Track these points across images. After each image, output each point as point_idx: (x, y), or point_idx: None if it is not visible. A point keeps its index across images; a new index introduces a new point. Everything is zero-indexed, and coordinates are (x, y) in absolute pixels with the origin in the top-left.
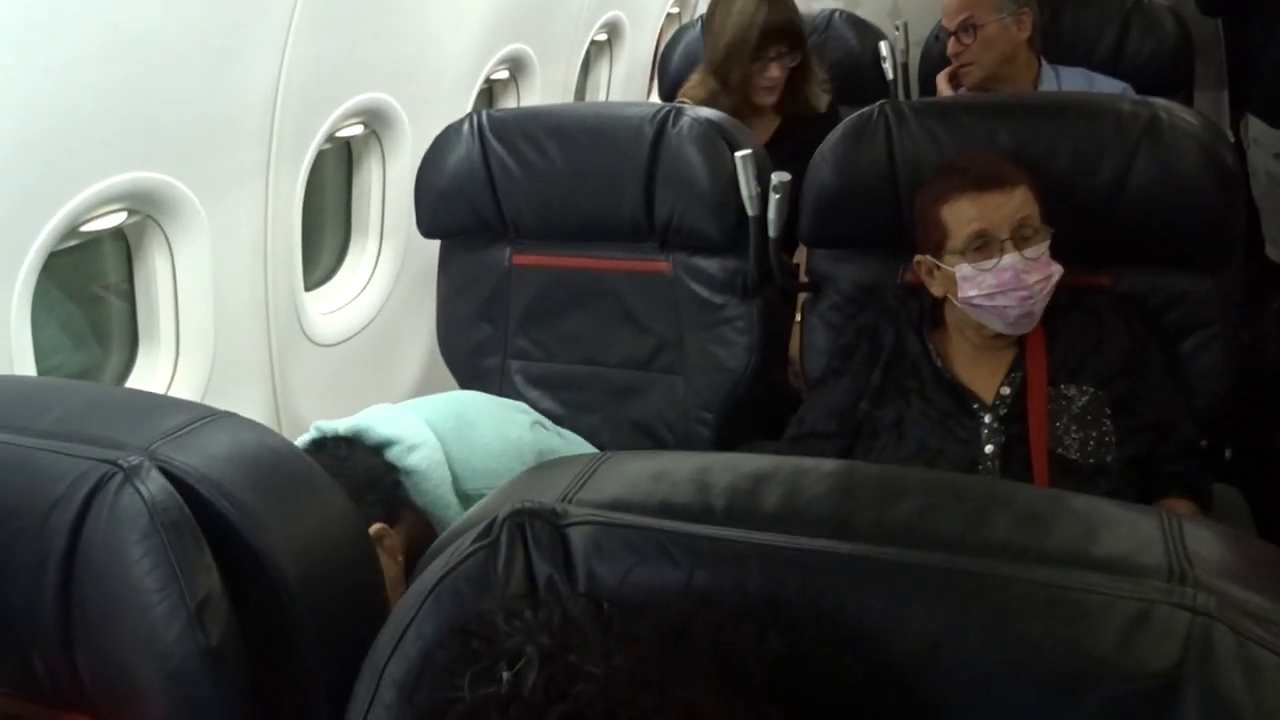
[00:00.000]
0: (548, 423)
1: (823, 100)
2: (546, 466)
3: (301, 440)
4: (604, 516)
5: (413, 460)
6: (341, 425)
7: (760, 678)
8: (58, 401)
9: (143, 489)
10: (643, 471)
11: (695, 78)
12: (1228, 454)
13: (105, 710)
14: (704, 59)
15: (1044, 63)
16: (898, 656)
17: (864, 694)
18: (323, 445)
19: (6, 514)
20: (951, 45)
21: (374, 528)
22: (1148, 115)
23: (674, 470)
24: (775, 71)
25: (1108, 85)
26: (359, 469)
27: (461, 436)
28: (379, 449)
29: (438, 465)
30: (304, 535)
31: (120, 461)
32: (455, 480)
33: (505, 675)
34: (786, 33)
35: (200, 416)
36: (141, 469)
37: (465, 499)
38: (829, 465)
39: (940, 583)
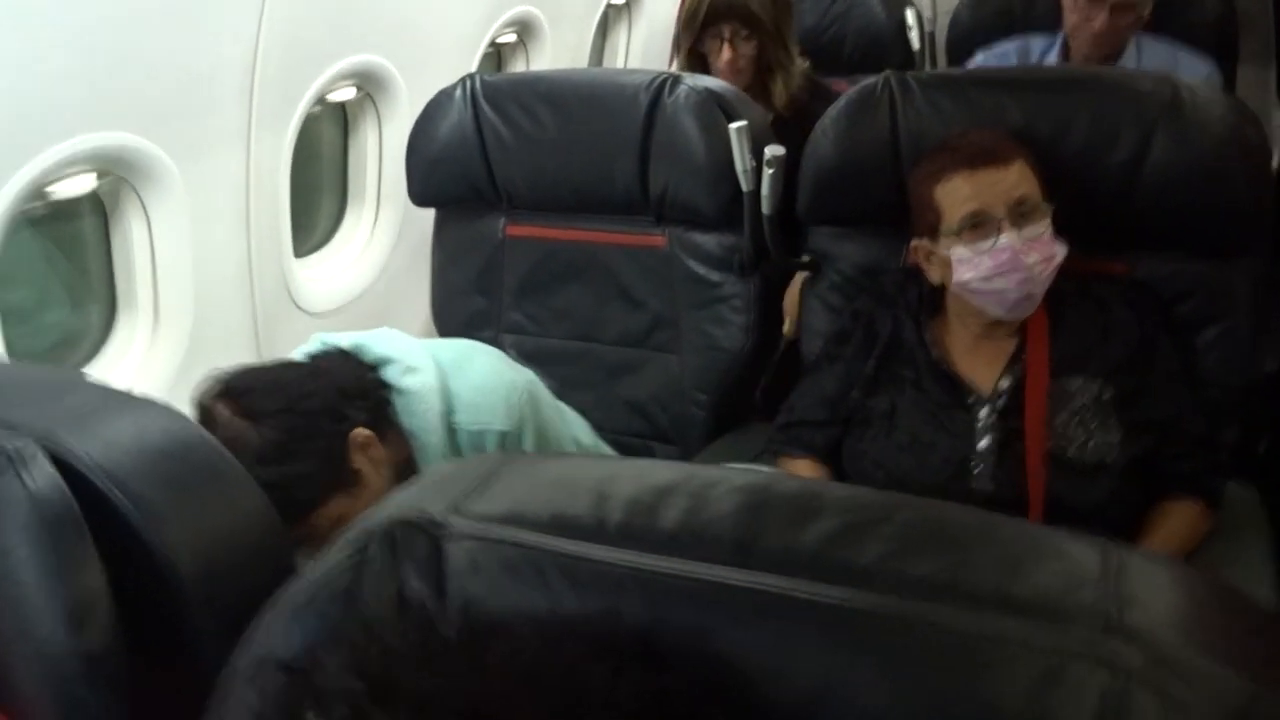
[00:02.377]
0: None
1: (782, 99)
2: (451, 467)
3: (302, 350)
4: (485, 530)
5: (408, 380)
6: (344, 339)
7: None
8: None
9: (27, 478)
10: (546, 478)
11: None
12: (1262, 448)
13: None
14: None
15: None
16: (780, 704)
17: None
18: (339, 353)
19: None
20: (1100, 20)
21: (358, 432)
22: (1168, 92)
23: (577, 478)
24: (726, 53)
25: (1191, 60)
26: (348, 374)
27: (458, 368)
28: (375, 365)
29: (431, 391)
30: (207, 532)
31: (6, 446)
32: (446, 411)
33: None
34: (736, 13)
35: (108, 400)
36: (28, 455)
37: (452, 432)
38: (741, 479)
39: (838, 622)
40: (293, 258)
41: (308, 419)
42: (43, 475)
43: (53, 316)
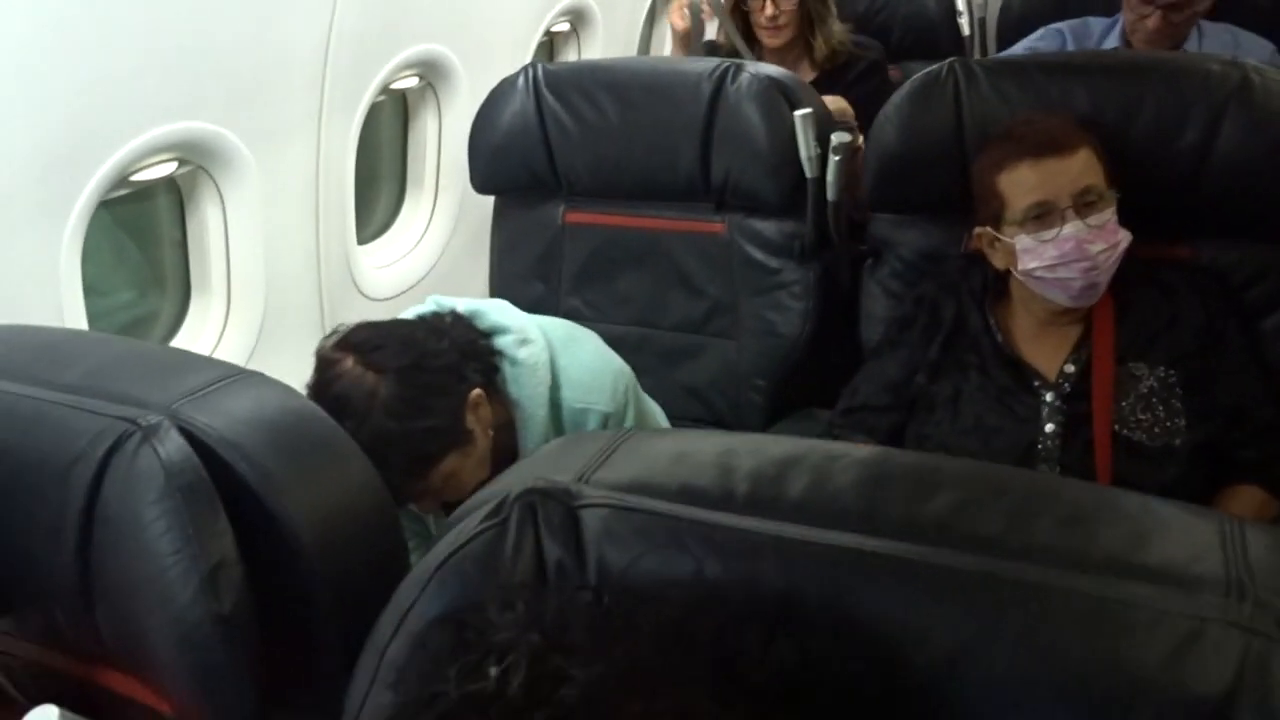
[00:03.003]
0: None
1: (823, 52)
2: (569, 441)
3: (416, 310)
4: (619, 499)
5: (522, 353)
6: (460, 303)
7: (764, 683)
8: (84, 355)
9: (160, 449)
10: (665, 451)
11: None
12: None
13: (124, 666)
14: None
15: None
16: (920, 666)
17: (880, 705)
18: (445, 317)
19: (29, 469)
20: (1154, 20)
21: (474, 393)
22: (1238, 76)
23: (697, 451)
24: (768, 9)
25: (1252, 42)
26: (466, 337)
27: (567, 347)
28: (488, 333)
29: (543, 365)
30: (324, 501)
31: (139, 420)
32: (552, 386)
33: (493, 672)
34: None
35: (225, 376)
36: (160, 429)
37: (555, 407)
38: (861, 453)
39: (972, 587)
40: (356, 244)
41: (436, 375)
42: (175, 447)
43: (129, 296)
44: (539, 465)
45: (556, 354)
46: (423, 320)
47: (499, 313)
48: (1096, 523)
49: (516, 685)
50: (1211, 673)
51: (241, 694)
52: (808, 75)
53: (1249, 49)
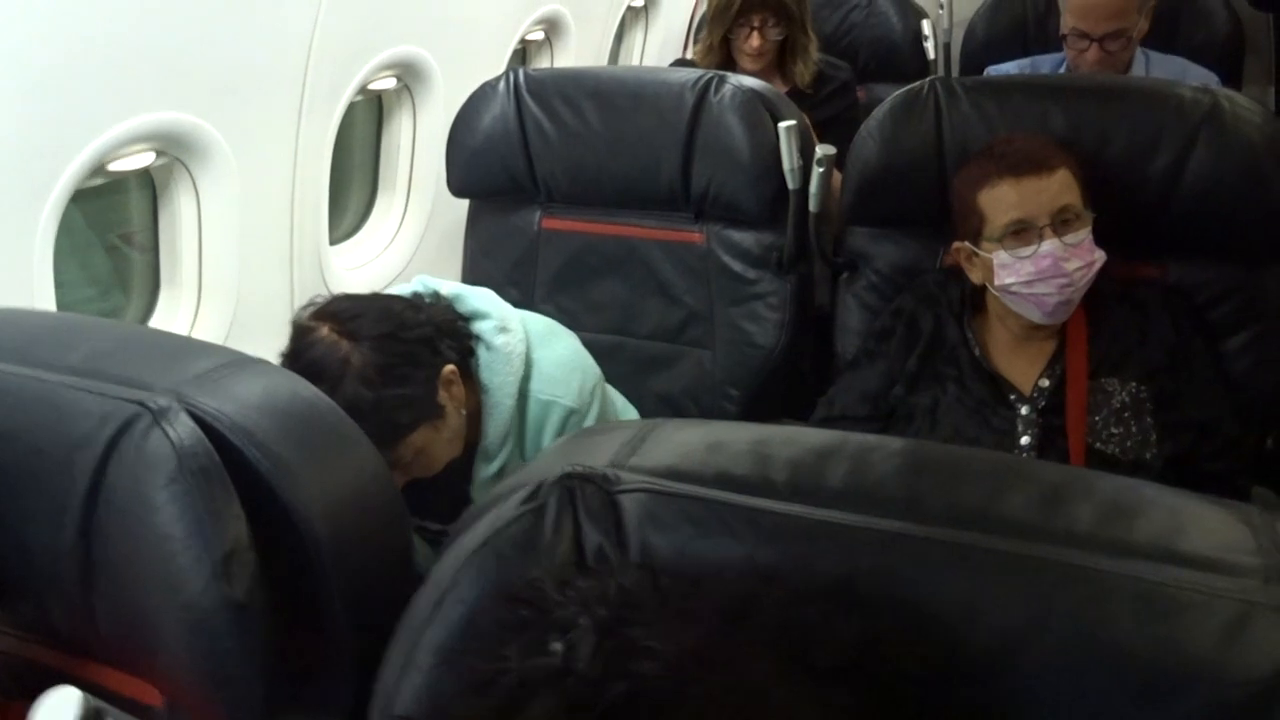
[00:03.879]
0: None
1: (805, 77)
2: (593, 431)
3: (402, 288)
4: (659, 485)
5: (499, 339)
6: (445, 285)
7: (829, 662)
8: (85, 338)
9: (171, 432)
10: (697, 440)
11: (701, 43)
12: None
13: (121, 659)
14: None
15: (1137, 47)
16: (974, 647)
17: (937, 687)
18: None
19: (28, 452)
20: (1092, 52)
21: (447, 368)
22: (1209, 102)
23: (731, 441)
24: (755, 40)
25: (1199, 74)
26: (441, 316)
27: (544, 340)
28: (469, 317)
29: (518, 355)
30: (336, 491)
31: (148, 403)
32: (523, 377)
33: (558, 647)
34: (770, 5)
35: (230, 360)
36: (170, 411)
37: (522, 397)
38: (896, 443)
39: (1021, 571)
40: (328, 244)
41: (411, 346)
42: (186, 429)
43: (97, 290)
44: (569, 452)
45: (532, 346)
46: (402, 295)
47: (481, 299)
48: (1133, 512)
49: (587, 659)
50: (1261, 656)
51: (252, 686)
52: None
53: (1197, 80)
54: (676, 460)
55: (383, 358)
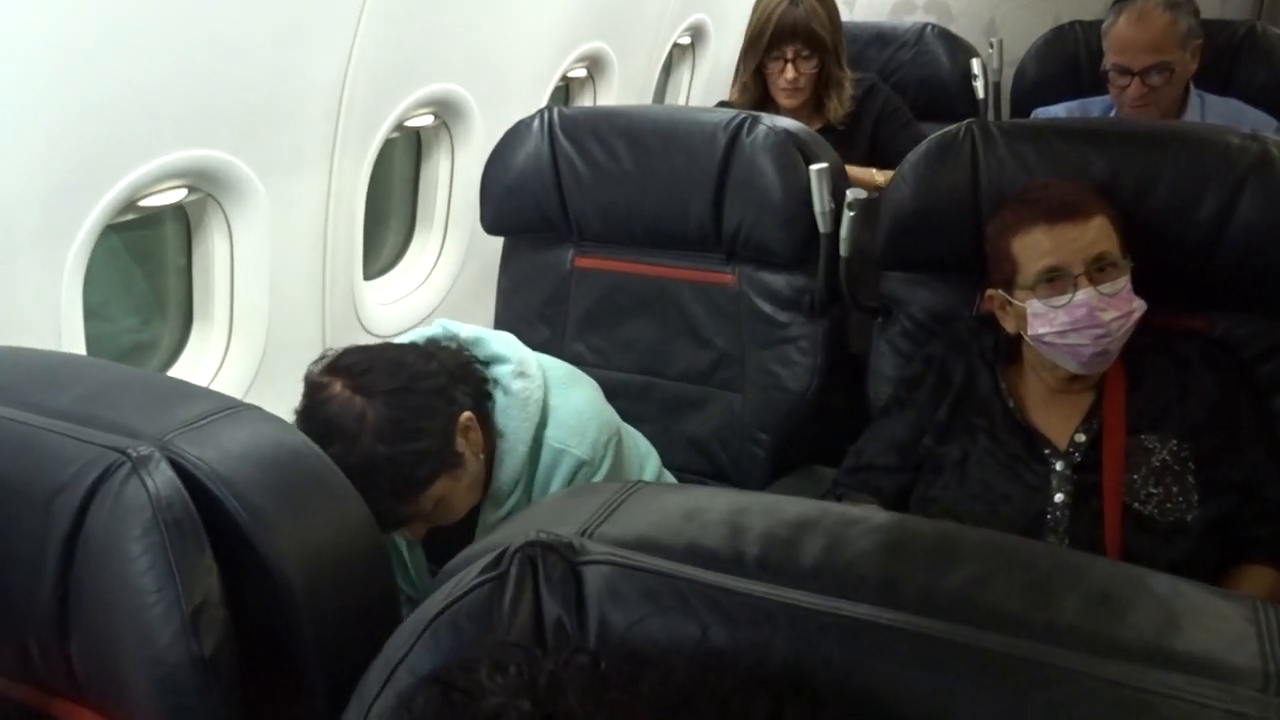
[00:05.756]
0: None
1: (839, 113)
2: (574, 492)
3: (424, 332)
4: (623, 557)
5: (517, 384)
6: (465, 329)
7: None
8: (78, 380)
9: (149, 481)
10: (673, 508)
11: (736, 81)
12: None
13: (95, 703)
14: None
15: (1192, 90)
16: None
17: None
18: (437, 340)
19: (11, 495)
20: (1133, 88)
21: (464, 415)
22: (1257, 150)
23: (707, 509)
24: (789, 73)
25: (1257, 118)
26: (457, 360)
27: (563, 387)
28: (487, 361)
29: (535, 401)
30: (314, 542)
31: (130, 451)
32: (539, 423)
33: None
34: (800, 35)
35: (221, 408)
36: (150, 460)
37: (535, 444)
38: (878, 518)
39: (994, 668)
40: (362, 280)
41: (424, 398)
42: (164, 479)
43: (130, 322)
44: (542, 516)
45: (550, 392)
46: (413, 344)
47: (501, 343)
48: (1124, 604)
49: None
50: None
51: None
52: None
53: (1253, 124)
54: (649, 529)
55: (397, 412)
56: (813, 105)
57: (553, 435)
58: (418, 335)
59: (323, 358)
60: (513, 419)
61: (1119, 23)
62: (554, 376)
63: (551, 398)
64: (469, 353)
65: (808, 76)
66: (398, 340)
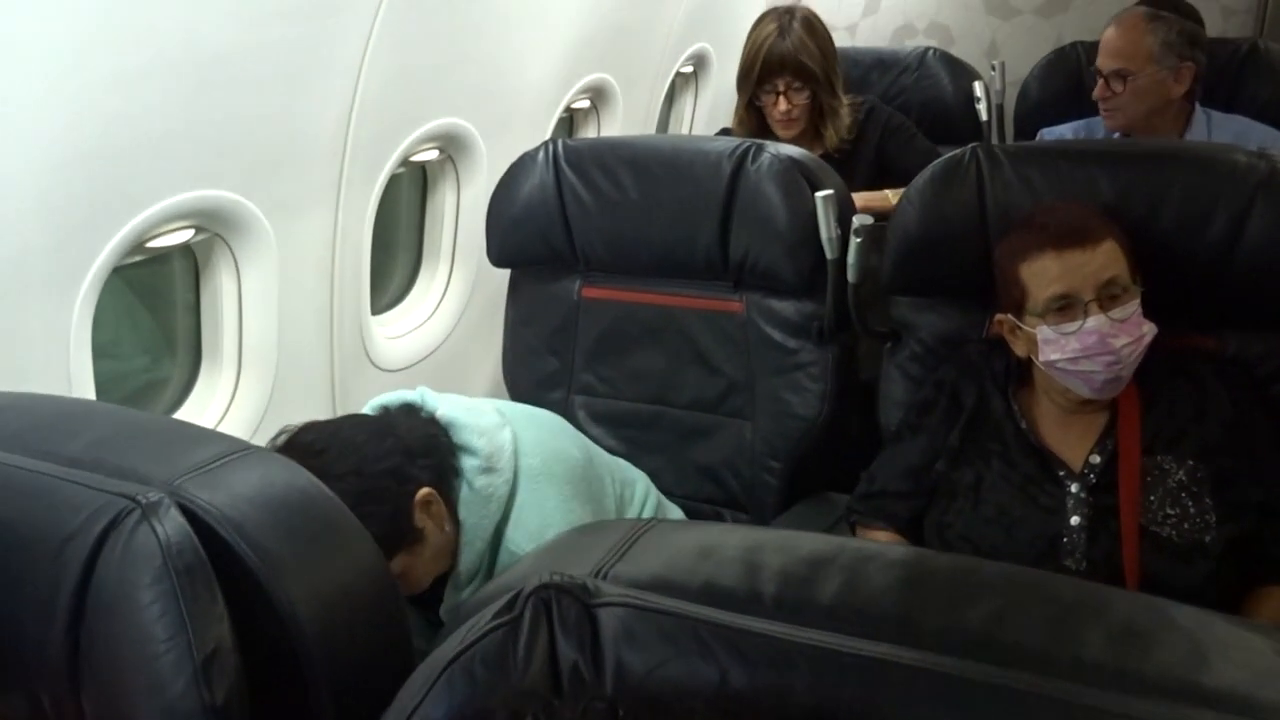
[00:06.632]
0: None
1: (835, 141)
2: (586, 530)
3: (401, 396)
4: (639, 599)
5: (480, 481)
6: (442, 407)
7: None
8: (89, 427)
9: (159, 528)
10: (688, 546)
11: (735, 114)
12: None
13: None
14: None
15: (1198, 108)
16: None
17: None
18: (410, 409)
19: (23, 544)
20: (1099, 88)
21: (422, 491)
22: (1265, 167)
23: (722, 547)
24: (781, 104)
25: (1264, 134)
26: (418, 434)
27: (536, 484)
28: (455, 449)
29: (498, 499)
30: (326, 586)
31: (139, 497)
32: (501, 519)
33: None
34: (789, 67)
35: (231, 451)
36: (160, 506)
37: (497, 536)
38: (895, 553)
39: (1019, 707)
40: (370, 315)
41: (374, 480)
42: (174, 526)
43: (139, 363)
44: (555, 556)
45: (520, 487)
46: (375, 418)
47: (475, 433)
48: (1150, 639)
49: None
50: None
51: None
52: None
53: (1260, 140)
54: (663, 568)
55: (348, 498)
56: (811, 134)
57: (512, 537)
58: (394, 399)
59: (283, 432)
60: (473, 514)
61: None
62: (530, 468)
63: (521, 494)
64: (434, 423)
65: (801, 107)
66: (376, 402)
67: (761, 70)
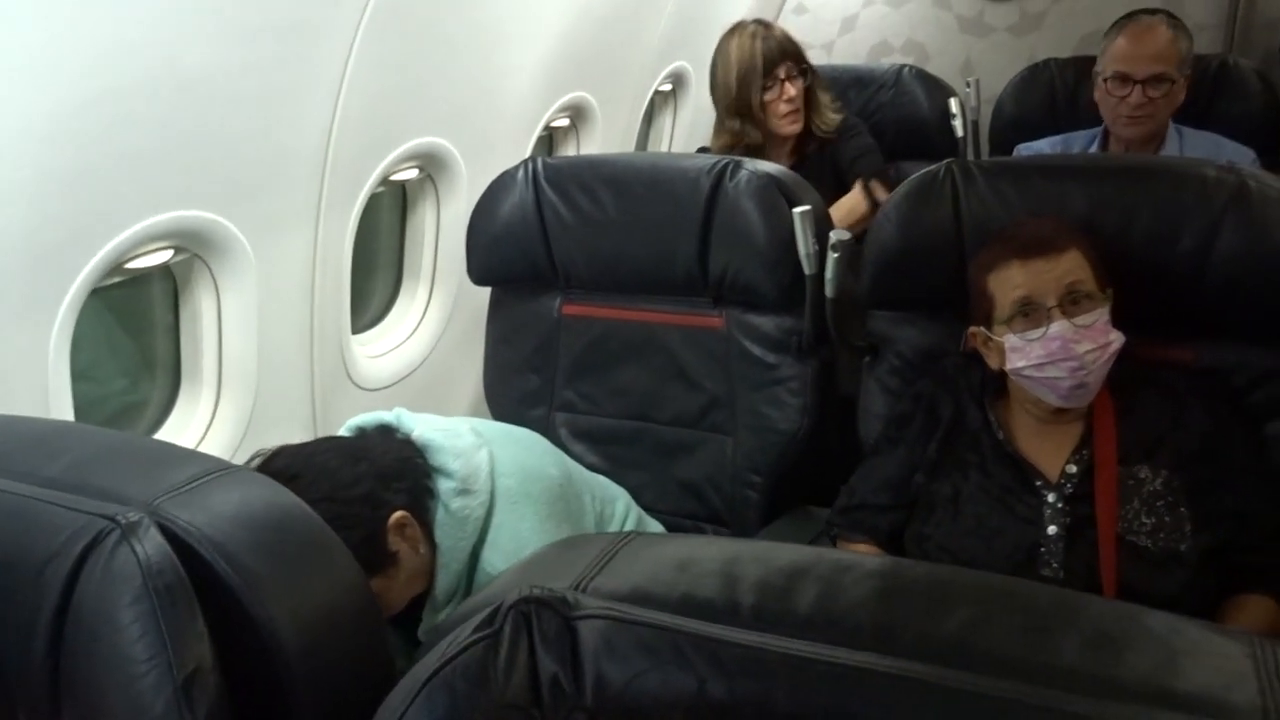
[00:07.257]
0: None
1: (833, 121)
2: (567, 544)
3: (378, 417)
4: (619, 610)
5: (456, 503)
6: (418, 429)
7: None
8: (68, 448)
9: (139, 548)
10: (667, 558)
11: (714, 130)
12: None
13: None
14: (717, 109)
15: (1170, 124)
16: None
17: None
18: (385, 430)
19: (3, 565)
20: (1134, 95)
21: (396, 514)
22: (1234, 182)
23: (701, 559)
24: (791, 90)
25: (1235, 150)
26: (391, 457)
27: (513, 506)
28: (430, 472)
29: (474, 521)
30: (309, 604)
31: (119, 517)
32: (478, 541)
33: None
34: (788, 54)
35: (210, 471)
36: (140, 526)
37: (475, 559)
38: (871, 563)
39: (995, 714)
40: (350, 334)
41: (346, 506)
42: (154, 546)
43: (118, 385)
44: (536, 570)
45: (497, 509)
46: (345, 442)
47: (450, 454)
48: (1123, 644)
49: None
50: None
51: None
52: (789, 158)
53: (1231, 156)
54: (643, 580)
55: None
56: (804, 130)
57: (489, 559)
58: (371, 420)
59: (256, 456)
60: (449, 536)
61: (1122, 35)
62: (507, 489)
63: (497, 515)
64: (409, 445)
65: (802, 95)
66: (352, 424)
67: (765, 63)
